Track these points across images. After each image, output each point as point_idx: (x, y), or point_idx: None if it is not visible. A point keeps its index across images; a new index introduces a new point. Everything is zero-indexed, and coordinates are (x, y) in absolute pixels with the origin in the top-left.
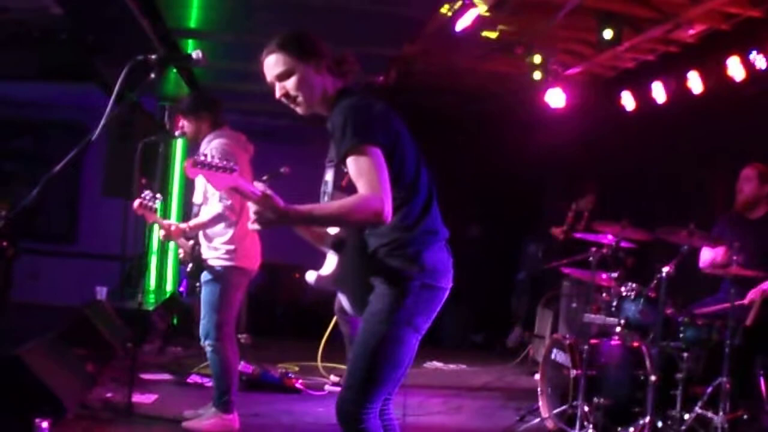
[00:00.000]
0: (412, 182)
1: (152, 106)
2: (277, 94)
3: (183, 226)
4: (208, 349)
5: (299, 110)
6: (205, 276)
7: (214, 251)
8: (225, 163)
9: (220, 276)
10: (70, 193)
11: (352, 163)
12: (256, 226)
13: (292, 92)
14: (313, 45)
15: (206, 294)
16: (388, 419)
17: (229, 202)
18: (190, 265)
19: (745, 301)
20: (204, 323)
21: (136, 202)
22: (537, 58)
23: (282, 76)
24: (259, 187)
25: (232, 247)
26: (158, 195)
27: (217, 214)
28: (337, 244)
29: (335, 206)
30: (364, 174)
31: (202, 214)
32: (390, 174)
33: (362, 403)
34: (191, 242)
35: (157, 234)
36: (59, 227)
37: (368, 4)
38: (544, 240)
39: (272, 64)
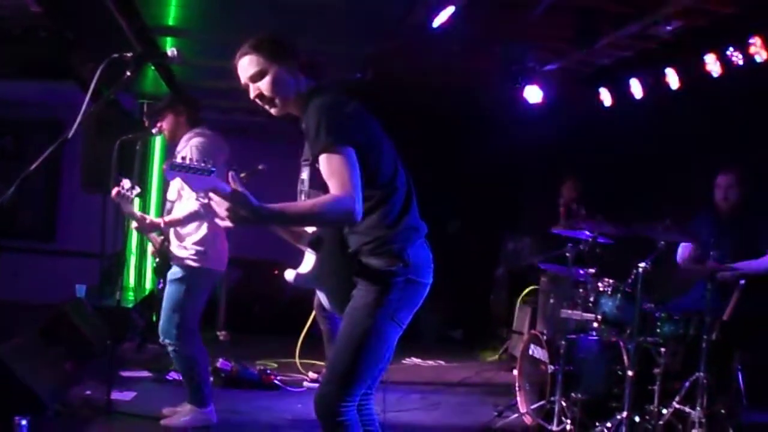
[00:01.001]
0: (390, 180)
1: (131, 104)
2: (251, 94)
3: (158, 220)
4: (170, 348)
5: (273, 111)
6: (171, 274)
7: (184, 251)
8: (203, 165)
9: (188, 276)
10: (49, 190)
11: (324, 162)
12: (228, 224)
13: (266, 93)
14: (286, 46)
15: (170, 292)
16: (367, 414)
17: (206, 200)
18: (157, 260)
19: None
20: (163, 322)
21: (114, 190)
22: None
23: (255, 77)
24: (231, 184)
25: (202, 248)
26: (136, 187)
27: (193, 211)
28: (316, 242)
29: (307, 205)
30: (336, 173)
31: (176, 211)
32: (367, 172)
33: (342, 397)
34: (161, 238)
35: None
36: (38, 225)
37: (346, 2)
38: (523, 236)
39: (246, 65)
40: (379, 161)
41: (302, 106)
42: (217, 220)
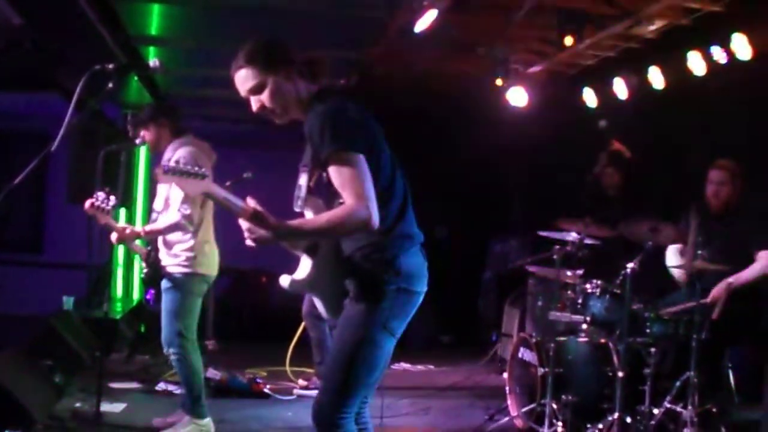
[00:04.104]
0: (388, 186)
1: (115, 114)
2: (254, 107)
3: (138, 230)
4: (173, 357)
5: (277, 120)
6: (164, 284)
7: (174, 258)
8: (197, 169)
9: (181, 283)
10: (35, 202)
11: (334, 173)
12: (252, 244)
13: (268, 104)
14: (281, 53)
15: (167, 302)
16: (363, 423)
17: (188, 212)
18: (146, 270)
19: (708, 300)
20: (166, 332)
21: (87, 203)
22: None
23: (254, 90)
24: (250, 203)
25: (192, 254)
26: (112, 197)
27: (173, 223)
28: (311, 248)
29: (324, 219)
30: (348, 183)
31: (159, 221)
32: None
33: (339, 407)
34: (148, 248)
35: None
36: (25, 237)
37: (329, 8)
38: (509, 239)
39: (242, 79)
40: (378, 167)
41: (304, 111)
42: (247, 242)
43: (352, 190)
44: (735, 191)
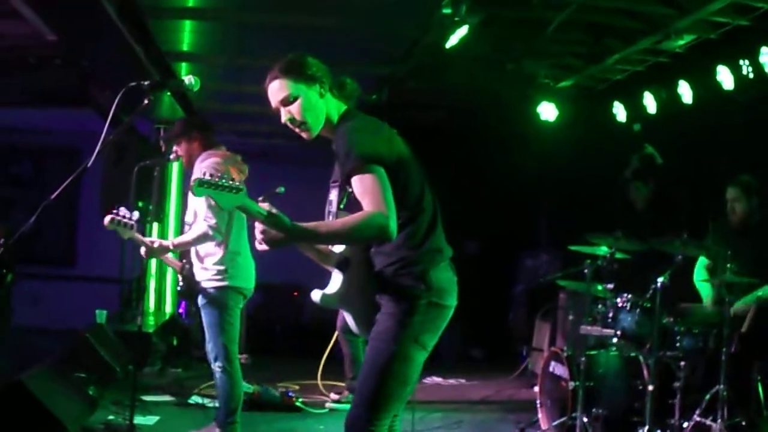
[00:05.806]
0: (416, 201)
1: (147, 129)
2: (283, 118)
3: (166, 243)
4: (218, 371)
5: (305, 135)
6: (200, 299)
7: (206, 272)
8: (231, 182)
9: (215, 298)
10: (68, 217)
11: (356, 182)
12: (264, 247)
13: (297, 117)
14: (316, 69)
15: (206, 317)
16: None
17: (213, 221)
18: (181, 284)
19: (731, 312)
20: (211, 347)
21: (107, 218)
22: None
23: (286, 101)
24: (264, 206)
25: (222, 267)
26: (135, 213)
27: (201, 233)
28: (342, 263)
29: (340, 223)
30: (368, 192)
31: (187, 233)
32: (394, 193)
33: (371, 421)
34: (183, 261)
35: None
36: (58, 251)
37: (360, 24)
38: (540, 253)
39: (276, 89)
40: (407, 183)
41: (333, 128)
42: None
43: (372, 198)
44: (751, 206)
